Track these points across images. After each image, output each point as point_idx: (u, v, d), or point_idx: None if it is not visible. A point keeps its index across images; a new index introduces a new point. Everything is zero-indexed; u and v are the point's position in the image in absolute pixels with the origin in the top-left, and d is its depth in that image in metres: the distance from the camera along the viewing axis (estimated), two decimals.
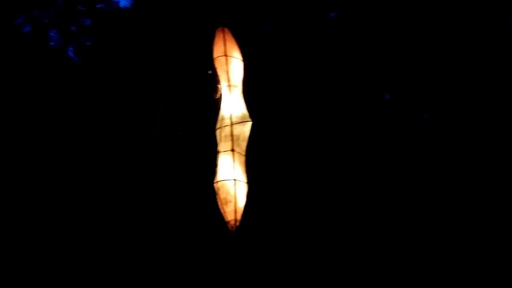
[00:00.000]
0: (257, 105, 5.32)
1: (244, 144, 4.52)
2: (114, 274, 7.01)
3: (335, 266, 7.18)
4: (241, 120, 4.58)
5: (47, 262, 7.62)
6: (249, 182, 4.38)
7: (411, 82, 9.08)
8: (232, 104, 4.66)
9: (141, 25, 9.90)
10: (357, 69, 9.16)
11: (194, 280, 7.20)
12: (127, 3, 13.03)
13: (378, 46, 9.34)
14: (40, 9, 11.93)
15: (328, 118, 8.50)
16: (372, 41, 9.25)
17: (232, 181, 4.24)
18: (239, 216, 4.25)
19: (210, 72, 5.16)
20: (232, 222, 4.24)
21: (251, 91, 5.15)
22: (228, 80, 4.78)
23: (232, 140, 4.43)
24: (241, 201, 4.27)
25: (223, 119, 4.61)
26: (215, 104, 4.72)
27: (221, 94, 4.83)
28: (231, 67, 4.84)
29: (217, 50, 4.95)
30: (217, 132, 4.60)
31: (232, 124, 4.51)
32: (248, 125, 4.57)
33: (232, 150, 4.38)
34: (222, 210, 4.24)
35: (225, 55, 4.81)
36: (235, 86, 4.82)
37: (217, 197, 4.27)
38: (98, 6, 12.01)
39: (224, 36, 4.96)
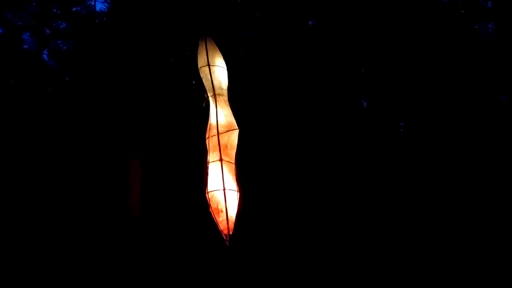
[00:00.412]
0: (244, 112, 5.39)
1: (232, 153, 4.54)
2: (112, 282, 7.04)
3: (328, 270, 7.27)
4: (227, 129, 4.60)
5: (39, 263, 7.54)
6: (242, 190, 4.41)
7: (388, 90, 9.30)
8: (218, 113, 4.68)
9: (117, 29, 9.83)
10: (335, 77, 9.33)
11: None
12: (103, 6, 12.89)
13: (355, 55, 9.54)
14: (13, 11, 11.65)
15: (309, 124, 8.62)
16: (349, 50, 9.44)
17: (221, 190, 4.28)
18: (231, 225, 4.27)
19: (194, 82, 5.19)
20: (225, 232, 4.25)
21: (237, 98, 5.22)
22: (213, 89, 4.80)
23: (220, 149, 4.46)
24: (233, 210, 4.30)
25: (210, 128, 4.64)
26: (203, 114, 4.77)
27: (207, 103, 4.88)
28: (215, 76, 4.87)
29: (201, 59, 4.97)
30: (206, 141, 4.63)
31: (218, 134, 4.53)
32: (235, 133, 4.59)
33: (221, 160, 4.42)
34: (215, 220, 4.27)
35: (208, 65, 4.83)
36: (221, 95, 4.85)
37: (209, 207, 4.30)
38: (73, 9, 11.83)
39: (206, 46, 4.98)
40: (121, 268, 5.42)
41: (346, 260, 7.36)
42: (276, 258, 7.36)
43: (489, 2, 10.03)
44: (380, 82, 9.33)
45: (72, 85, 10.55)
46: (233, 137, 4.59)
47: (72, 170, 8.17)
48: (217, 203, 4.27)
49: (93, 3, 11.72)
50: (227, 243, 4.22)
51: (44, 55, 11.79)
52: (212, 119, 4.68)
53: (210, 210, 4.27)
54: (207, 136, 4.62)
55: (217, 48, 5.10)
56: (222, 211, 4.23)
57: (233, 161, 4.49)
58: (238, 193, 4.38)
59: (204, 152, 4.59)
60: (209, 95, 4.90)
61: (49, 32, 11.78)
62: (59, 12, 11.84)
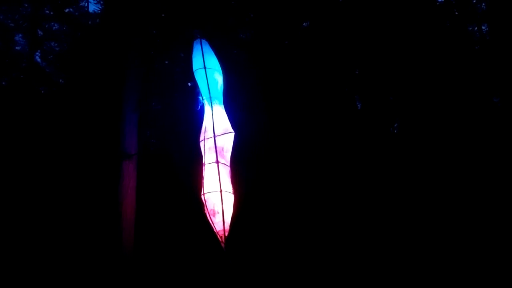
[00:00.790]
0: (238, 115, 5.37)
1: (228, 155, 4.56)
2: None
3: (323, 270, 7.27)
4: (223, 132, 4.61)
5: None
6: (237, 192, 4.40)
7: (382, 91, 9.32)
8: (215, 116, 4.67)
9: (111, 30, 9.76)
10: (329, 79, 9.34)
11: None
12: (96, 8, 12.80)
13: (349, 56, 9.56)
14: (5, 13, 11.55)
15: (304, 126, 8.61)
16: (343, 52, 9.45)
17: (218, 192, 4.27)
18: (227, 227, 4.27)
19: (190, 84, 5.17)
20: (221, 233, 4.25)
21: (231, 101, 5.21)
22: (209, 92, 4.80)
23: (216, 151, 4.46)
24: (229, 212, 4.30)
25: (206, 131, 4.62)
26: (198, 116, 4.75)
27: (202, 106, 4.86)
28: (211, 79, 4.86)
29: (196, 62, 4.95)
30: (201, 144, 4.62)
31: (215, 136, 4.52)
32: (231, 136, 4.61)
33: (217, 162, 4.41)
34: (210, 221, 4.24)
35: (205, 68, 4.82)
36: (216, 98, 4.84)
37: (204, 208, 4.28)
38: (66, 10, 11.75)
39: (202, 48, 4.97)
40: (115, 270, 5.34)
41: (341, 261, 7.35)
42: (270, 259, 7.35)
43: (483, 4, 10.10)
44: (374, 83, 9.35)
45: (66, 87, 10.47)
46: (229, 140, 4.61)
47: (64, 173, 8.10)
48: (214, 204, 4.25)
49: (86, 4, 11.59)
50: (222, 245, 4.19)
51: (37, 57, 11.72)
52: (207, 122, 4.66)
53: (206, 211, 4.24)
54: (202, 138, 4.59)
55: (212, 52, 5.10)
56: (218, 213, 4.22)
57: (229, 164, 4.49)
58: (234, 196, 4.37)
59: (198, 154, 4.57)
60: (204, 97, 4.88)
61: (41, 33, 11.71)
62: (51, 13, 11.77)
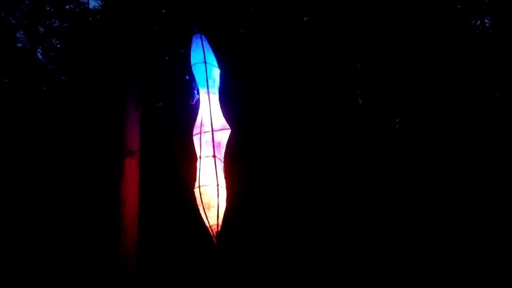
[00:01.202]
0: (235, 112, 5.35)
1: (223, 151, 4.53)
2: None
3: (317, 268, 7.26)
4: (221, 128, 4.59)
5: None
6: (230, 189, 4.36)
7: (383, 86, 9.27)
8: (212, 111, 4.64)
9: (111, 26, 9.74)
10: (330, 74, 9.28)
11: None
12: (96, 4, 12.79)
13: (350, 51, 9.50)
14: (6, 9, 11.56)
15: (303, 122, 8.57)
16: (344, 46, 9.40)
17: (214, 186, 4.22)
18: (220, 221, 4.24)
19: (187, 77, 5.12)
20: (214, 227, 4.20)
21: (228, 97, 5.18)
22: (207, 87, 4.76)
23: (214, 146, 4.43)
24: (223, 206, 4.25)
25: (203, 125, 4.58)
26: (192, 110, 4.71)
27: (197, 100, 4.82)
28: (210, 74, 4.83)
29: (195, 56, 4.91)
30: (196, 137, 4.56)
31: (213, 131, 4.49)
32: (227, 133, 4.58)
33: (214, 156, 4.38)
34: (203, 215, 4.18)
35: (205, 62, 4.78)
36: (213, 94, 4.81)
37: (197, 201, 4.20)
38: (67, 7, 11.74)
39: (202, 42, 4.94)
40: (118, 268, 5.31)
41: (339, 259, 7.33)
42: (263, 255, 7.35)
43: None
44: (375, 78, 9.29)
45: (67, 83, 10.47)
46: (225, 137, 4.58)
47: (66, 170, 8.09)
48: (209, 198, 4.20)
49: (86, 0, 11.58)
50: (214, 240, 4.16)
51: (38, 54, 11.74)
52: (204, 116, 4.62)
53: (200, 204, 4.19)
54: (197, 131, 4.55)
55: (210, 47, 5.07)
56: (213, 207, 4.17)
57: (223, 159, 4.46)
58: (226, 191, 4.34)
59: (191, 147, 4.53)
60: (202, 92, 4.84)
61: (42, 30, 11.71)
62: (52, 10, 11.77)
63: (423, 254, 7.17)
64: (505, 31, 9.36)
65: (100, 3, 10.96)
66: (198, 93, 4.85)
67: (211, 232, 4.21)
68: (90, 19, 11.24)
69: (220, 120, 4.65)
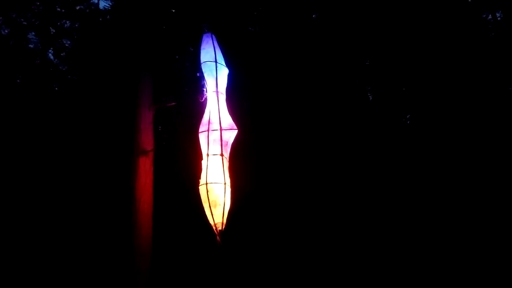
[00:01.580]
0: (243, 112, 5.37)
1: (229, 150, 4.57)
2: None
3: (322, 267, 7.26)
4: (230, 127, 4.62)
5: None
6: (234, 188, 4.39)
7: (393, 83, 9.20)
8: (221, 110, 4.67)
9: (121, 27, 9.81)
10: (340, 71, 9.25)
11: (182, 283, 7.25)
12: (106, 4, 12.89)
13: (360, 47, 9.44)
14: (18, 11, 11.71)
15: (312, 121, 8.55)
16: (353, 43, 9.34)
17: (222, 184, 4.26)
18: (225, 219, 4.26)
19: (198, 75, 5.15)
20: (219, 225, 4.24)
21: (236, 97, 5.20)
22: (217, 86, 4.79)
23: (221, 145, 4.46)
24: (228, 205, 4.29)
25: (211, 123, 4.61)
26: (200, 108, 4.75)
27: (206, 98, 4.85)
28: (220, 74, 4.86)
29: (206, 54, 4.94)
30: (203, 134, 4.59)
31: (221, 130, 4.52)
32: (235, 133, 4.62)
33: (221, 155, 4.41)
34: (208, 212, 4.21)
35: (215, 61, 4.81)
36: (222, 94, 4.84)
37: (202, 198, 4.24)
38: (77, 7, 11.86)
39: (213, 42, 4.97)
40: (134, 263, 5.38)
41: (346, 258, 7.31)
42: (266, 253, 7.37)
43: None
44: (385, 74, 9.22)
45: (80, 84, 10.58)
46: (232, 136, 4.61)
47: (78, 170, 8.19)
48: (217, 196, 4.23)
49: (96, 1, 11.68)
50: (218, 238, 4.18)
51: (50, 54, 11.88)
52: (212, 115, 4.65)
53: (206, 201, 4.21)
54: (204, 129, 4.58)
55: (220, 46, 5.10)
56: (220, 205, 4.21)
57: (228, 159, 4.49)
58: (231, 190, 4.37)
59: (197, 145, 4.57)
60: (210, 90, 4.86)
61: (53, 31, 11.84)
62: (63, 11, 11.90)
63: (436, 253, 7.13)
64: None
65: (110, 4, 11.03)
66: (206, 91, 4.88)
67: (215, 230, 4.24)
68: (101, 19, 11.34)
69: (227, 119, 4.69)
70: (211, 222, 4.22)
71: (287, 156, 8.20)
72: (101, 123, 8.41)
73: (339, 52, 9.28)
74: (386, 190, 7.91)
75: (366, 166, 8.07)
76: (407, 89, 9.31)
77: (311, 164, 8.21)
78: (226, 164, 4.48)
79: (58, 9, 11.80)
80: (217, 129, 4.56)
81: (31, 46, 11.83)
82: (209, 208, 4.22)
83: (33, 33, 11.90)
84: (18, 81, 11.47)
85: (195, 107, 5.09)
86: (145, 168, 5.72)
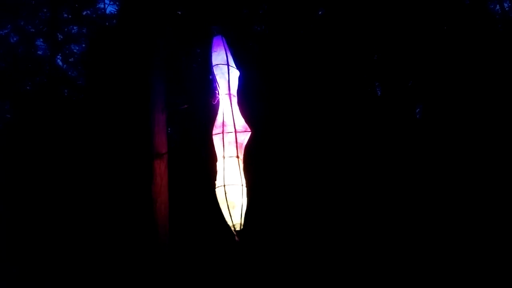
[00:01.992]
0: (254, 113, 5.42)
1: (243, 152, 4.61)
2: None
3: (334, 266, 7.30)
4: (244, 129, 4.67)
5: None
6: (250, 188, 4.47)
7: (402, 77, 9.18)
8: (234, 112, 4.72)
9: (128, 31, 9.87)
10: (347, 66, 9.24)
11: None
12: (113, 9, 12.96)
13: (367, 42, 9.43)
14: (25, 18, 11.82)
15: (320, 117, 8.56)
16: (361, 38, 9.33)
17: (239, 186, 4.33)
18: (243, 220, 4.35)
19: (210, 77, 5.21)
20: (238, 226, 4.31)
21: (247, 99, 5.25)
22: (229, 89, 4.84)
23: (237, 147, 4.53)
24: (245, 205, 4.38)
25: (225, 125, 4.66)
26: (212, 110, 4.80)
27: (218, 100, 4.91)
28: (231, 76, 4.91)
29: (218, 57, 4.99)
30: (217, 137, 4.64)
31: (236, 132, 4.58)
32: (248, 135, 4.67)
33: (237, 157, 4.47)
34: (226, 214, 4.29)
35: (227, 64, 4.86)
36: (234, 96, 4.89)
37: (220, 200, 4.31)
38: (84, 13, 11.95)
39: (224, 44, 5.02)
40: (153, 261, 5.50)
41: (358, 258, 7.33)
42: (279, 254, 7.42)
43: None
44: (393, 68, 9.19)
45: (90, 88, 10.67)
46: (246, 138, 4.66)
47: (94, 174, 8.31)
48: (234, 197, 4.30)
49: (102, 6, 11.75)
50: (237, 237, 4.27)
51: (58, 60, 11.98)
52: (226, 117, 4.69)
53: (224, 203, 4.29)
54: (218, 131, 4.63)
55: (230, 49, 5.14)
56: (238, 206, 4.28)
57: (243, 160, 4.55)
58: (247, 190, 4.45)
59: (211, 147, 4.63)
60: (223, 93, 4.91)
61: (61, 37, 11.95)
62: (70, 16, 11.99)
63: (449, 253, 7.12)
64: None
65: (117, 8, 11.11)
66: (219, 93, 4.92)
67: (233, 230, 4.32)
68: (107, 24, 11.42)
69: (241, 121, 4.74)
70: (230, 223, 4.29)
71: (296, 153, 8.23)
72: (116, 128, 8.51)
73: (346, 48, 9.27)
74: (398, 185, 7.92)
75: (377, 162, 8.07)
76: (414, 83, 9.28)
77: (320, 161, 8.23)
78: (242, 165, 4.53)
79: (65, 15, 11.89)
80: (232, 131, 4.61)
81: (39, 52, 11.95)
82: (227, 210, 4.30)
83: (41, 40, 12.02)
84: (27, 87, 11.62)
85: (207, 109, 5.15)
86: (160, 170, 5.83)
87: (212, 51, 5.08)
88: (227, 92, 4.85)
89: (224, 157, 4.54)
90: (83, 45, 11.59)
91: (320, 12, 10.21)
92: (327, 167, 8.13)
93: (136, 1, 8.44)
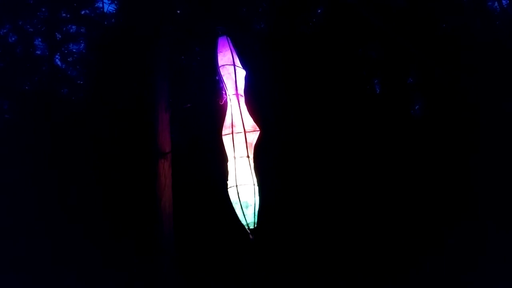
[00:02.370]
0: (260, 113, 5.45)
1: (252, 151, 4.65)
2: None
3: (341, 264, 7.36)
4: (253, 129, 4.69)
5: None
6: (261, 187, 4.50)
7: (400, 74, 9.22)
8: (242, 113, 4.75)
9: (127, 30, 9.85)
10: (346, 64, 9.27)
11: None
12: (112, 8, 12.88)
13: (366, 40, 9.46)
14: (24, 18, 11.73)
15: (321, 116, 8.59)
16: (358, 36, 9.36)
17: (251, 185, 4.37)
18: (256, 218, 4.39)
19: (217, 78, 5.22)
20: (251, 225, 4.36)
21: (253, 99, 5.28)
22: (236, 89, 4.86)
23: (247, 146, 4.55)
24: (258, 204, 4.42)
25: (234, 125, 4.69)
26: (220, 111, 4.83)
27: (225, 101, 4.93)
28: (238, 76, 4.93)
29: (224, 58, 5.00)
30: (227, 137, 4.67)
31: (245, 132, 4.61)
32: (257, 134, 4.70)
33: (248, 156, 4.51)
34: (240, 213, 4.34)
35: (234, 65, 4.88)
36: (241, 96, 4.91)
37: (233, 200, 4.35)
38: (82, 12, 11.88)
39: (230, 45, 5.03)
40: (158, 259, 5.55)
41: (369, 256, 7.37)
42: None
43: None
44: (391, 66, 9.23)
45: (90, 88, 10.65)
46: (255, 138, 4.69)
47: (99, 173, 8.32)
48: (247, 197, 4.35)
49: (101, 5, 11.69)
50: (251, 236, 4.32)
51: (57, 59, 11.92)
52: (235, 117, 4.72)
53: (237, 203, 4.33)
54: (227, 132, 4.66)
55: (236, 49, 5.15)
56: (251, 205, 4.33)
57: (253, 160, 4.58)
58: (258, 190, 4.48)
59: (220, 148, 4.66)
60: (230, 93, 4.93)
61: (60, 36, 11.88)
62: (68, 16, 11.92)
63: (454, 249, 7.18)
64: None
65: (115, 7, 11.07)
66: (225, 94, 4.95)
67: (247, 229, 4.36)
68: (107, 23, 11.36)
69: (249, 121, 4.74)
70: (244, 222, 4.33)
71: (297, 152, 8.26)
72: (120, 127, 8.52)
73: (345, 46, 9.30)
74: (400, 181, 7.97)
75: (381, 159, 8.11)
76: (414, 80, 9.34)
77: (324, 159, 8.28)
78: (252, 165, 4.57)
79: (64, 15, 11.82)
80: (241, 132, 4.63)
81: (38, 52, 11.87)
82: (240, 210, 4.33)
83: (40, 39, 11.95)
84: (26, 87, 11.55)
85: (214, 109, 5.17)
86: (164, 170, 5.86)
87: (218, 51, 5.09)
88: (234, 92, 4.88)
89: (235, 158, 4.57)
90: (82, 45, 11.53)
91: (319, 11, 10.23)
92: (332, 164, 8.17)
93: (138, 0, 8.44)
